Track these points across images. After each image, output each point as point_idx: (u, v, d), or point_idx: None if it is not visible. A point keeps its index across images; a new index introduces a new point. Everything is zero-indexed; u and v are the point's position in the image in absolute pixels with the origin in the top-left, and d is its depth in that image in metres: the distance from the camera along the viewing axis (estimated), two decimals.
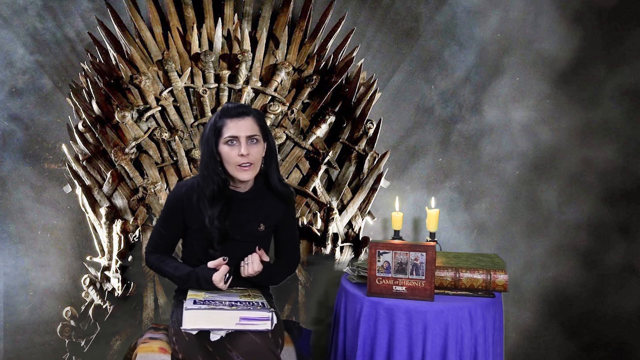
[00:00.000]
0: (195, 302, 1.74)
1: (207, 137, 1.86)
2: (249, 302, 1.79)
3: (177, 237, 2.01)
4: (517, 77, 2.80)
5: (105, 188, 2.54)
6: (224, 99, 2.62)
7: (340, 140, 2.67)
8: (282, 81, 2.67)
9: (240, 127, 1.83)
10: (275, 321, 1.75)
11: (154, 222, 2.48)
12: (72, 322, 2.61)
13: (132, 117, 2.52)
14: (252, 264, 1.89)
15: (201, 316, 1.70)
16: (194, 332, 1.75)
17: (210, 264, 1.87)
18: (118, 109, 2.49)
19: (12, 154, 2.63)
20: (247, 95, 2.62)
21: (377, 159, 2.70)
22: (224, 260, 1.86)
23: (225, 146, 1.84)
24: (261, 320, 1.72)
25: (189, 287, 1.90)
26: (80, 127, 2.58)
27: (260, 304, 1.79)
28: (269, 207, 1.98)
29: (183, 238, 2.03)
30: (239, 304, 1.77)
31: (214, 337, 1.75)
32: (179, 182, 2.10)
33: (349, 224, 2.69)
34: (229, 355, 1.72)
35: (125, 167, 2.50)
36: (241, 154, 1.83)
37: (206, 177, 1.86)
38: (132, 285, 2.48)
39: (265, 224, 1.98)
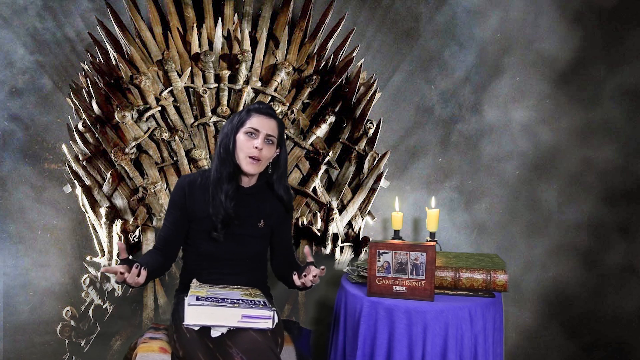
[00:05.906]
0: (197, 299, 1.75)
1: (232, 126, 1.97)
2: (250, 301, 1.80)
3: (178, 230, 2.00)
4: (517, 77, 2.80)
5: (105, 188, 2.54)
6: (224, 99, 2.62)
7: (340, 140, 2.67)
8: (282, 81, 2.66)
9: (263, 124, 1.94)
10: (276, 320, 1.76)
11: (154, 222, 2.49)
12: (72, 322, 2.61)
13: (132, 117, 2.52)
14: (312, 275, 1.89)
15: (204, 312, 1.71)
16: (196, 328, 1.77)
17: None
18: (118, 109, 2.49)
19: (12, 154, 2.63)
20: (247, 95, 2.62)
21: (377, 159, 2.70)
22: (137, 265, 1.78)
23: (244, 135, 1.94)
24: (263, 318, 1.73)
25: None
26: (80, 127, 2.58)
27: (262, 303, 1.80)
28: (270, 206, 2.06)
29: (186, 236, 2.03)
30: (240, 301, 1.78)
31: (214, 333, 1.76)
32: (181, 176, 2.14)
33: (349, 224, 2.69)
34: (229, 352, 1.73)
35: (125, 167, 2.50)
36: (256, 146, 1.92)
37: (224, 159, 1.95)
38: None
39: (265, 221, 2.03)
